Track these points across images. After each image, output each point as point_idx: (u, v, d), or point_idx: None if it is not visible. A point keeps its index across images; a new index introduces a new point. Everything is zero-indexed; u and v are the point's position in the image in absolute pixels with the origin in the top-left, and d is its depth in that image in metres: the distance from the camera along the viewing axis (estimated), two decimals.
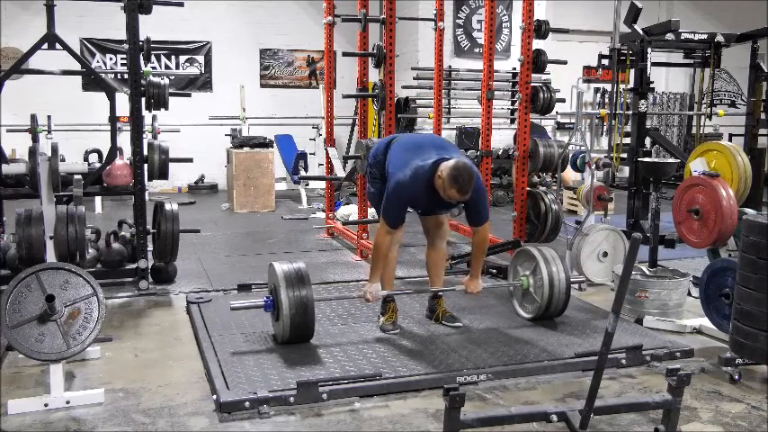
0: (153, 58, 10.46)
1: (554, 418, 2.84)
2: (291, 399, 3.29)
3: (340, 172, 7.51)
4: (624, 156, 6.36)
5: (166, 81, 5.25)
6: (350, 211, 7.93)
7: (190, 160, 5.68)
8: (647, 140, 6.55)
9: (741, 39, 6.44)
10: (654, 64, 6.14)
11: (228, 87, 11.13)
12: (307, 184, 10.10)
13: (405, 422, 3.17)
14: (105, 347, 3.93)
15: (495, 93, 6.40)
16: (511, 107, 10.03)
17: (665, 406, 2.87)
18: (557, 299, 4.31)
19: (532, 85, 5.95)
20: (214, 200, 10.31)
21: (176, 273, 5.54)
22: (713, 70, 6.46)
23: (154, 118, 7.90)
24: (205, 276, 5.72)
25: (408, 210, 4.08)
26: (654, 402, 2.94)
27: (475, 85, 9.23)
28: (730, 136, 9.14)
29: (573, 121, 7.58)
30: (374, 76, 6.29)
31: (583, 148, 6.08)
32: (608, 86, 10.85)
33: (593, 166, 5.75)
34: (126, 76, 5.57)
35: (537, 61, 5.92)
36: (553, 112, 6.61)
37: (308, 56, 12.05)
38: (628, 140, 6.32)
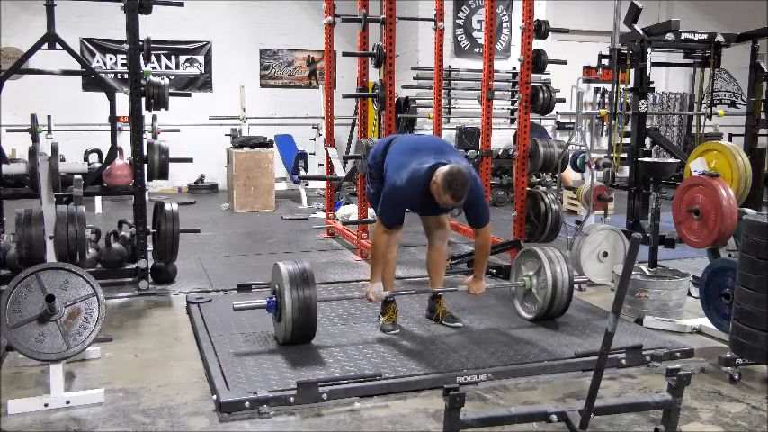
0: (153, 58, 10.47)
1: (554, 418, 2.84)
2: (291, 399, 3.29)
3: (340, 172, 7.51)
4: (624, 156, 6.36)
5: (166, 81, 5.25)
6: (350, 211, 7.93)
7: (190, 160, 5.68)
8: (647, 140, 6.55)
9: (741, 39, 6.45)
10: (654, 64, 6.15)
11: (228, 87, 11.13)
12: (307, 184, 10.10)
13: (405, 422, 3.17)
14: (105, 347, 3.92)
15: (495, 93, 6.40)
16: (511, 107, 10.03)
17: (665, 406, 2.87)
18: (559, 299, 4.30)
19: (532, 85, 5.94)
20: (214, 200, 10.31)
21: (176, 273, 5.54)
22: (713, 70, 6.46)
23: (154, 118, 7.90)
24: (205, 276, 5.72)
25: (407, 210, 4.08)
26: (654, 402, 2.94)
27: (475, 85, 9.23)
28: (730, 136, 9.14)
29: (573, 121, 7.58)
30: (374, 76, 6.29)
31: (583, 148, 6.09)
32: (608, 86, 10.85)
33: (593, 166, 5.76)
34: (126, 76, 5.57)
35: (537, 61, 5.92)
36: (553, 112, 6.60)
37: (308, 56, 12.05)
38: (628, 140, 6.32)
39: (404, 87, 9.41)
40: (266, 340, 4.05)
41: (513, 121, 9.96)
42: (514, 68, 9.41)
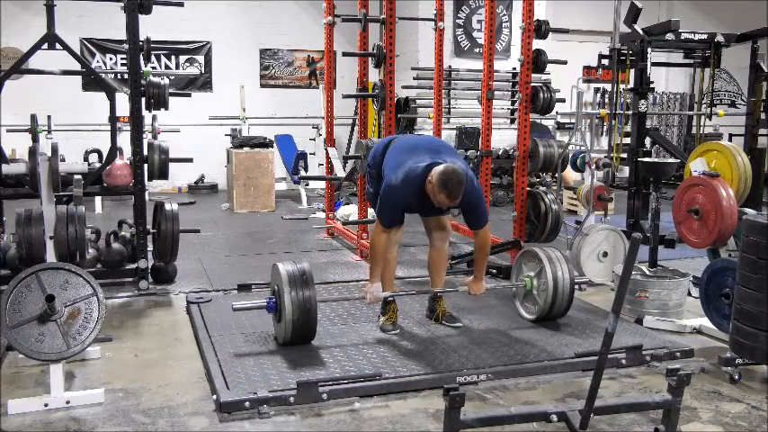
0: (153, 58, 10.47)
1: (554, 418, 2.84)
2: (291, 399, 3.29)
3: (340, 172, 7.51)
4: (624, 156, 6.36)
5: (166, 81, 5.25)
6: (350, 211, 7.93)
7: (190, 160, 5.68)
8: (647, 140, 6.55)
9: (741, 39, 6.45)
10: (654, 64, 6.15)
11: (228, 87, 11.13)
12: (307, 184, 10.10)
13: (405, 422, 3.17)
14: (105, 347, 3.92)
15: (495, 93, 6.39)
16: (511, 107, 10.03)
17: (665, 406, 2.87)
18: (560, 301, 4.29)
19: (532, 85, 5.94)
20: (214, 200, 10.31)
21: (176, 273, 5.54)
22: (713, 70, 6.46)
23: (154, 118, 7.90)
24: (205, 276, 5.72)
25: (406, 211, 4.07)
26: (654, 402, 2.94)
27: (475, 85, 9.23)
28: (730, 136, 9.14)
29: (573, 121, 7.58)
30: (374, 76, 6.29)
31: (583, 148, 6.09)
32: (608, 86, 10.85)
33: (593, 166, 5.76)
34: (126, 76, 5.57)
35: (537, 61, 5.91)
36: (553, 112, 6.60)
37: (308, 56, 12.05)
38: (628, 140, 6.32)
39: (404, 87, 9.41)
40: (266, 340, 4.05)
41: (513, 122, 9.95)
42: (514, 68, 9.41)
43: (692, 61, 6.93)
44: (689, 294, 4.89)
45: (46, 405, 3.23)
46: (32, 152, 4.90)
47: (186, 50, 11.36)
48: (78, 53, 6.85)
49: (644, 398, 3.22)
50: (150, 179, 5.30)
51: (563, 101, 6.54)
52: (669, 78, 13.07)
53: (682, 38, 6.17)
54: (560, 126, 11.20)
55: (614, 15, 6.28)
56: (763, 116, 6.64)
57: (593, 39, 11.81)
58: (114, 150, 5.15)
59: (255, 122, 10.78)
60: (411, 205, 4.04)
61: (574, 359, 3.79)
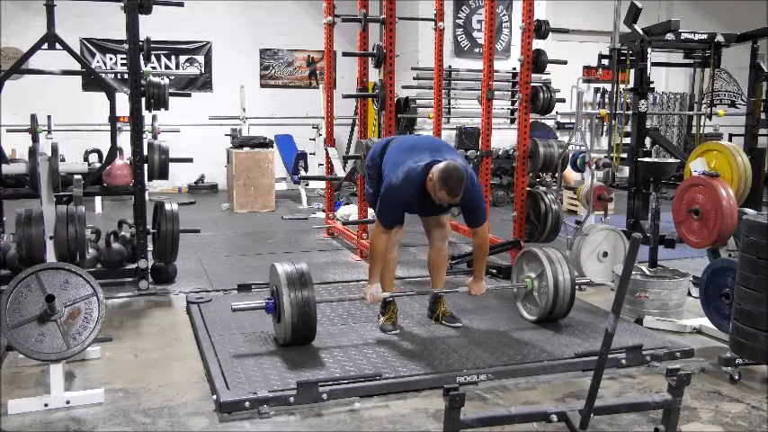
0: (153, 58, 10.47)
1: (554, 418, 2.85)
2: (291, 399, 3.29)
3: (340, 172, 7.51)
4: (624, 156, 6.36)
5: (166, 81, 5.25)
6: (350, 211, 7.93)
7: (190, 160, 5.68)
8: (647, 140, 6.55)
9: (741, 39, 6.45)
10: (654, 64, 6.15)
11: (228, 87, 11.13)
12: (307, 184, 10.10)
13: (405, 422, 3.17)
14: (105, 347, 3.92)
15: (495, 93, 6.39)
16: (511, 107, 10.03)
17: (665, 406, 2.87)
18: (561, 303, 4.29)
19: (532, 85, 5.94)
20: (214, 200, 10.31)
21: (176, 273, 5.54)
22: (713, 70, 6.46)
23: (154, 118, 7.90)
24: (205, 276, 5.72)
25: (407, 211, 4.07)
26: (654, 402, 2.94)
27: (475, 85, 9.23)
28: (730, 136, 9.14)
29: (573, 121, 7.58)
30: (374, 76, 6.29)
31: (583, 148, 6.09)
32: (608, 86, 10.85)
33: (593, 166, 5.76)
34: (126, 76, 5.57)
35: (537, 61, 5.91)
36: (553, 112, 6.60)
37: (308, 56, 12.05)
38: (628, 140, 6.32)
39: (404, 87, 9.41)
40: (266, 340, 4.05)
41: (513, 122, 9.95)
42: (514, 68, 9.41)
43: (691, 61, 6.93)
44: (689, 294, 4.89)
45: (46, 405, 3.23)
46: (32, 152, 4.90)
47: (186, 50, 11.36)
48: (78, 53, 6.85)
49: (644, 398, 3.22)
50: (150, 179, 5.30)
51: (563, 101, 6.54)
52: (669, 78, 13.07)
53: (682, 38, 6.17)
54: (560, 126, 11.20)
55: (614, 15, 6.27)
56: (763, 116, 6.64)
57: (593, 39, 11.81)
58: (114, 150, 5.15)
59: (255, 122, 10.78)
60: (411, 205, 4.04)
61: (574, 359, 3.79)
